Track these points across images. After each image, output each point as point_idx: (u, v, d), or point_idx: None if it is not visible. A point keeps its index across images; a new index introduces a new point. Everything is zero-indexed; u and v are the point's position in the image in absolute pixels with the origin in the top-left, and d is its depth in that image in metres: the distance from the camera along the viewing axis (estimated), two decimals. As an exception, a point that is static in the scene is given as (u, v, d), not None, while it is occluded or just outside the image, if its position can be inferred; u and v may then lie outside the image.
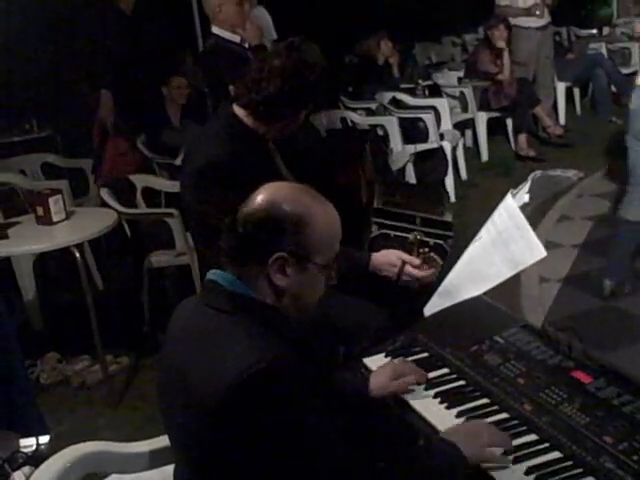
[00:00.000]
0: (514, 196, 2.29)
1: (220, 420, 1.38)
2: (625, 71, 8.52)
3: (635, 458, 1.51)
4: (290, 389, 1.40)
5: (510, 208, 2.24)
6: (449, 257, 2.62)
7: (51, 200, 3.64)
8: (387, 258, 2.55)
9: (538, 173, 2.45)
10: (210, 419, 1.39)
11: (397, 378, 1.87)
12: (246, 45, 4.10)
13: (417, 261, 2.55)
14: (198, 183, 2.48)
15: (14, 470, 2.07)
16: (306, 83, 2.47)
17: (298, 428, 1.41)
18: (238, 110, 2.54)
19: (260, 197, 1.56)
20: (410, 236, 2.65)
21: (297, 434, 1.40)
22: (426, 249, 2.60)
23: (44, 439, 2.20)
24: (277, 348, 1.44)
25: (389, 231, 2.70)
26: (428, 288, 2.51)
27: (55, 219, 3.65)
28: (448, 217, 2.78)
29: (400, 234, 2.69)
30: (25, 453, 2.15)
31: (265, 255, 1.50)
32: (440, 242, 2.64)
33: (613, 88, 8.31)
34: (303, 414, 1.42)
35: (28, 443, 2.20)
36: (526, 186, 2.37)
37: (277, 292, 1.54)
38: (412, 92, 6.97)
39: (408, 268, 2.52)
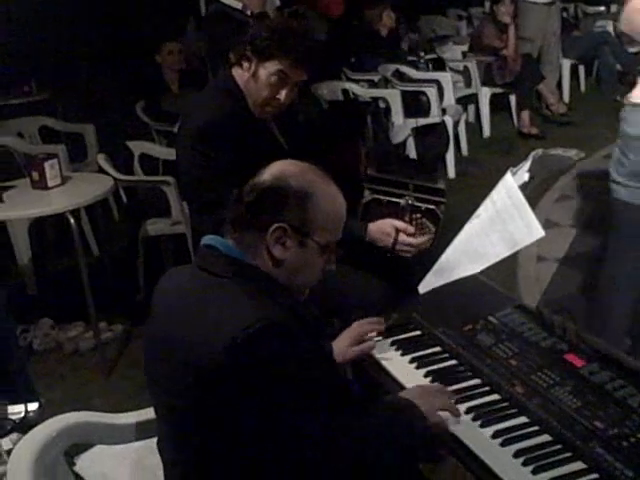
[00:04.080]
0: (514, 174, 2.25)
1: (216, 379, 1.38)
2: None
3: (625, 444, 1.50)
4: (287, 349, 1.41)
5: (509, 186, 2.21)
6: (442, 224, 2.62)
7: (47, 165, 3.60)
8: (382, 228, 2.53)
9: (539, 152, 2.41)
10: (206, 379, 1.39)
11: (357, 343, 1.94)
12: (248, 12, 4.04)
13: (411, 229, 2.55)
14: (194, 144, 2.46)
15: (2, 437, 2.06)
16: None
17: (294, 387, 1.42)
18: (236, 73, 2.53)
19: (269, 170, 1.59)
20: (402, 201, 2.64)
21: (292, 393, 1.41)
22: (418, 215, 2.61)
23: (33, 406, 2.19)
24: (273, 311, 1.46)
25: (381, 197, 2.69)
26: (423, 256, 2.50)
27: (50, 184, 3.62)
28: (441, 185, 2.76)
29: (392, 199, 2.67)
30: (13, 420, 2.14)
31: (266, 224, 1.53)
32: (432, 207, 2.63)
33: (619, 66, 8.23)
34: (299, 374, 1.43)
35: (16, 410, 2.19)
36: (526, 165, 2.34)
37: (274, 263, 1.56)
38: (415, 65, 6.90)
39: (402, 236, 2.51)
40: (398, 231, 2.52)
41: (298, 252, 1.55)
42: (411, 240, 2.52)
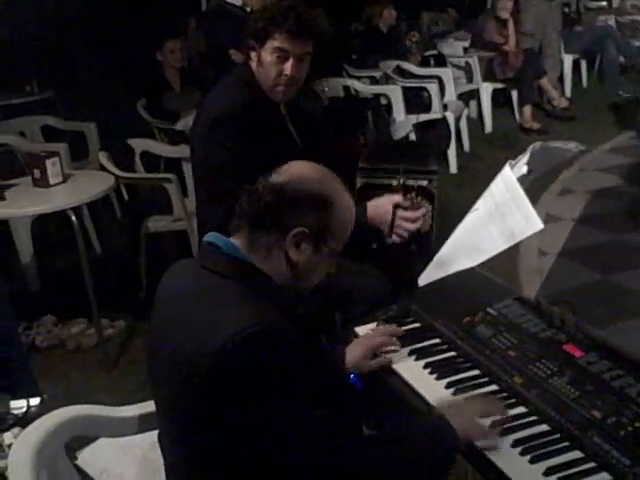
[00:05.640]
0: (512, 167, 2.26)
1: (209, 383, 1.37)
2: (636, 44, 8.40)
3: (622, 433, 1.50)
4: (282, 354, 1.40)
5: (508, 179, 2.22)
6: (437, 202, 2.61)
7: (48, 162, 3.61)
8: (381, 206, 2.50)
9: (537, 145, 2.41)
10: (199, 381, 1.38)
11: (371, 355, 1.90)
12: (248, 9, 4.05)
13: (407, 202, 2.53)
14: (211, 133, 2.46)
15: (3, 431, 2.07)
16: None
17: (287, 393, 1.40)
18: (252, 65, 2.55)
19: (289, 170, 1.56)
20: (394, 182, 2.64)
21: (285, 399, 1.40)
22: (412, 193, 2.60)
23: (35, 401, 2.20)
24: (271, 314, 1.44)
25: (373, 180, 2.69)
26: (422, 242, 2.50)
27: (52, 182, 3.62)
28: (433, 166, 2.76)
29: (384, 182, 2.68)
30: (15, 415, 2.15)
31: (287, 226, 1.51)
32: (424, 184, 2.63)
33: (621, 59, 8.21)
34: (292, 380, 1.41)
35: (18, 405, 2.20)
36: (525, 157, 2.34)
37: (289, 266, 1.55)
38: (416, 61, 6.90)
39: (400, 212, 2.49)
40: (396, 207, 2.50)
41: (311, 256, 1.54)
42: (409, 214, 2.49)
